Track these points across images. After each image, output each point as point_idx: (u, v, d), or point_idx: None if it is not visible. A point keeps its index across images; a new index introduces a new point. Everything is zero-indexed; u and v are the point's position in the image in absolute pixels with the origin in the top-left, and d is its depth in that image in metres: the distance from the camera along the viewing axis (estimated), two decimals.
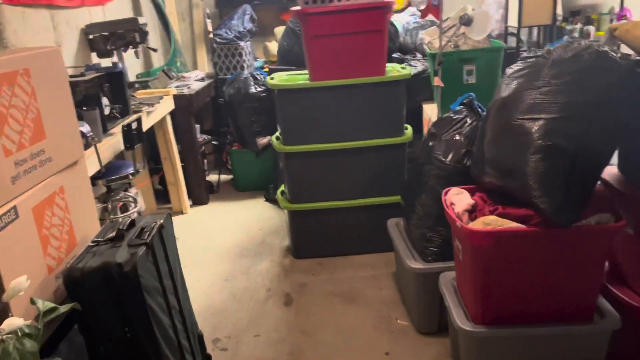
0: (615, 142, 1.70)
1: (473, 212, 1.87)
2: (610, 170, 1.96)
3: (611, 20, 4.29)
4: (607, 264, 1.95)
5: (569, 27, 4.51)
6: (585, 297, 1.80)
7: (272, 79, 3.02)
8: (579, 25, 4.51)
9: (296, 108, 2.87)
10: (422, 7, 4.63)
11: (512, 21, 3.92)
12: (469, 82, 2.99)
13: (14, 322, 1.12)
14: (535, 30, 4.45)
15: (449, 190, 2.01)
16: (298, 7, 2.78)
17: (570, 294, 1.79)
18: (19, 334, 1.07)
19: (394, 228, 2.63)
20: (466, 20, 2.65)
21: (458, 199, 1.92)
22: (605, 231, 1.71)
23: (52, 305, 1.22)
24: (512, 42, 4.15)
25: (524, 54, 1.92)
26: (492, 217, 1.76)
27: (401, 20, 4.27)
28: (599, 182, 1.85)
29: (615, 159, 1.88)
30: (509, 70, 1.90)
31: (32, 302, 1.23)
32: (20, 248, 1.41)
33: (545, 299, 1.80)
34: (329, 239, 3.06)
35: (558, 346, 1.82)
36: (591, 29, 4.42)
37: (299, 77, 3.04)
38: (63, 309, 1.24)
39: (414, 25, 4.05)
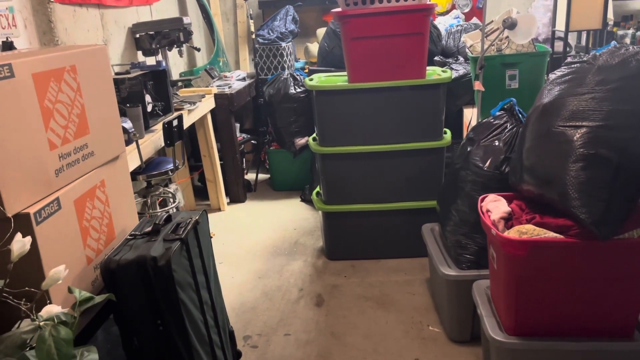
0: None
1: (509, 220, 1.83)
2: None
3: None
4: None
5: (620, 32, 4.35)
6: (625, 312, 1.73)
7: (310, 80, 3.04)
8: (631, 31, 4.35)
9: (333, 109, 2.87)
10: (466, 9, 4.56)
11: (560, 25, 3.80)
12: (511, 87, 2.93)
13: (51, 309, 1.17)
14: (584, 35, 4.31)
15: (485, 197, 1.98)
16: (338, 9, 2.79)
17: (609, 309, 1.73)
18: (55, 321, 1.11)
19: (429, 233, 2.60)
20: (510, 24, 2.59)
21: (494, 206, 1.88)
22: None
23: (89, 295, 1.26)
24: (560, 47, 4.03)
25: (569, 59, 1.86)
26: (529, 226, 1.72)
27: (444, 22, 4.23)
28: None
29: None
30: (552, 76, 1.85)
31: (70, 290, 1.27)
32: (61, 238, 1.46)
33: (581, 313, 1.74)
34: (362, 242, 3.05)
35: None
36: None
37: (337, 79, 3.04)
38: (98, 299, 1.28)
39: (457, 28, 4.00)
